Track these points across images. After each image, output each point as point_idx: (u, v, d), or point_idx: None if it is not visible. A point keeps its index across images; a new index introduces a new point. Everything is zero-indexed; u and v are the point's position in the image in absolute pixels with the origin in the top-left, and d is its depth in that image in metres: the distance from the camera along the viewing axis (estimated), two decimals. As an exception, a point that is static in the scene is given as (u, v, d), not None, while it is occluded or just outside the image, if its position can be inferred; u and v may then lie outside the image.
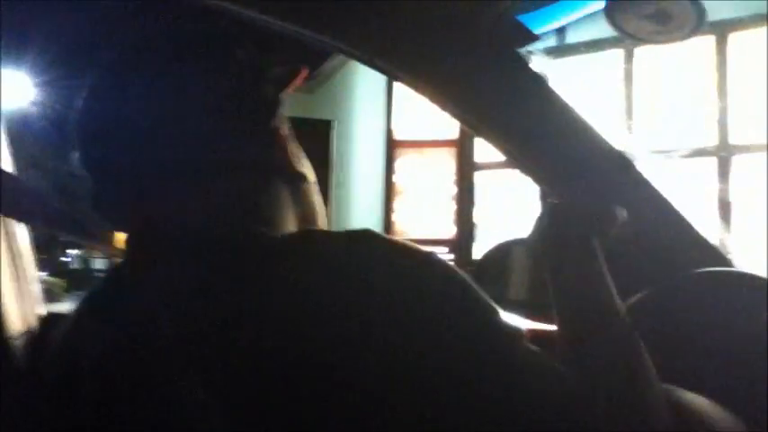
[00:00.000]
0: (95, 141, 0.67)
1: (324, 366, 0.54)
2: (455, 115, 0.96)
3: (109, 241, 1.04)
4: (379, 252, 0.59)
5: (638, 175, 0.96)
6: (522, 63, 0.93)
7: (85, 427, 0.63)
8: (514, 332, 0.58)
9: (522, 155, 0.97)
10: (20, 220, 0.92)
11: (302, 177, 0.71)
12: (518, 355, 0.57)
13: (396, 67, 0.92)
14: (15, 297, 0.90)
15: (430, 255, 0.61)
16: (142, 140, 0.64)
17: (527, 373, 0.56)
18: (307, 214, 0.71)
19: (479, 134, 0.98)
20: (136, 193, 0.65)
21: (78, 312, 0.69)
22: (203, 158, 0.65)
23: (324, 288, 0.56)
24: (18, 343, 0.87)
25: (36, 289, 0.95)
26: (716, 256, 0.95)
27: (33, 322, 0.92)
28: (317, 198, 0.74)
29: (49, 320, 0.94)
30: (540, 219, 0.71)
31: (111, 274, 0.69)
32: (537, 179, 0.99)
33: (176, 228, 0.64)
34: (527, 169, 0.99)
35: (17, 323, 0.89)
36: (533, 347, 0.58)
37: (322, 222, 0.73)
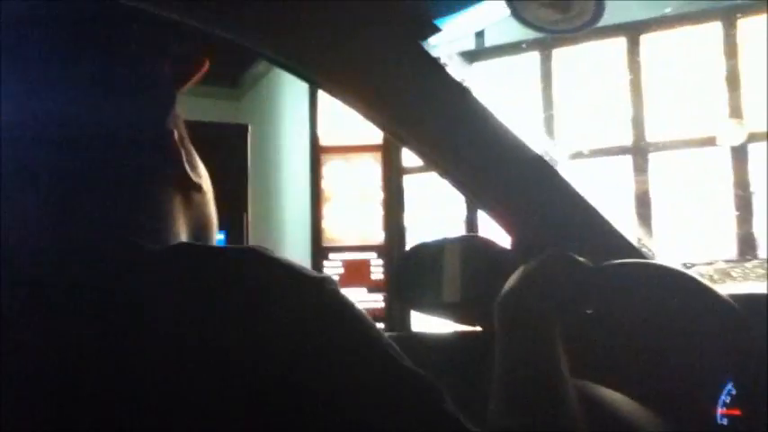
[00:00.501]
0: None
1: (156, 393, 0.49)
2: (372, 120, 0.95)
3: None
4: (256, 274, 0.54)
5: (559, 178, 0.97)
6: (437, 65, 0.92)
7: None
8: (416, 374, 0.53)
9: (441, 162, 0.96)
10: None
11: (194, 186, 0.65)
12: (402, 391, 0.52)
13: (308, 70, 0.90)
14: None
15: (320, 281, 0.55)
16: (19, 126, 0.57)
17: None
18: (198, 225, 0.66)
19: (399, 141, 0.98)
20: (8, 182, 0.57)
21: None
22: (75, 156, 0.58)
23: (187, 306, 0.52)
24: None
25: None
26: (634, 252, 0.97)
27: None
28: (209, 209, 0.68)
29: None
30: (516, 282, 0.69)
31: None
32: (459, 187, 0.99)
33: (35, 234, 0.57)
34: (448, 176, 0.98)
35: None
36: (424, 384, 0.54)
37: (213, 235, 0.69)
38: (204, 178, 0.68)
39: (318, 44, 0.83)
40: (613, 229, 1.00)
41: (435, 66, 0.92)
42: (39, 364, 0.51)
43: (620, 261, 0.76)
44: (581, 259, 0.73)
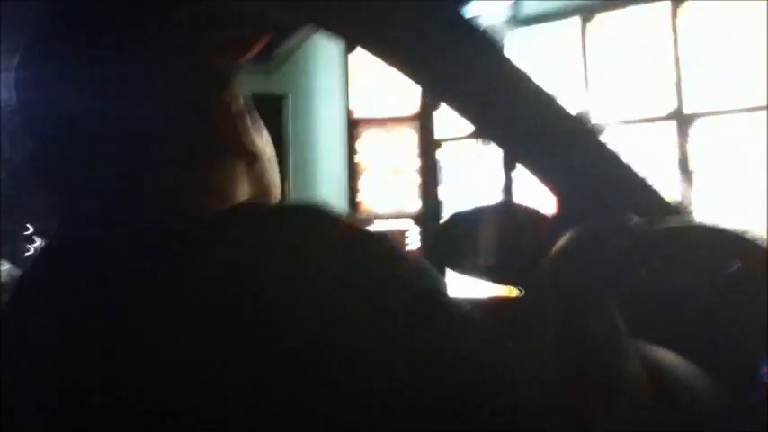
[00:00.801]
0: (36, 107, 0.63)
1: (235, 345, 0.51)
2: (412, 78, 0.95)
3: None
4: (318, 229, 0.55)
5: (601, 142, 0.96)
6: (474, 26, 0.92)
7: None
8: (459, 312, 0.54)
9: (480, 120, 0.96)
10: None
11: (253, 155, 0.67)
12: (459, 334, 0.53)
13: (349, 31, 0.90)
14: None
15: (377, 238, 0.56)
16: (80, 108, 0.60)
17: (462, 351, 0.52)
18: (258, 193, 0.68)
19: (439, 99, 0.98)
20: (74, 162, 0.61)
21: (9, 305, 0.64)
22: (141, 129, 0.60)
23: (250, 264, 0.53)
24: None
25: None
26: (681, 216, 0.96)
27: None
28: (270, 177, 0.70)
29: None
30: (561, 255, 0.67)
31: (41, 257, 0.64)
32: (499, 144, 0.99)
33: (108, 201, 0.61)
34: (488, 135, 0.98)
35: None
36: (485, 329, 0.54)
37: (275, 201, 0.70)
38: (263, 147, 0.69)
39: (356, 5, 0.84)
40: (659, 194, 0.99)
41: (473, 28, 0.92)
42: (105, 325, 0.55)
43: (676, 224, 0.75)
44: (634, 222, 0.72)
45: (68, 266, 0.60)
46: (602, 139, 0.97)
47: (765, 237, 0.72)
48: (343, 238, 0.56)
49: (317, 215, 0.57)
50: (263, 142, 0.70)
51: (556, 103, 0.94)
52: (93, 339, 0.55)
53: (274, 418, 0.50)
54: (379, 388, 0.50)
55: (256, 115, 0.70)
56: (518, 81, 0.93)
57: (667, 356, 0.66)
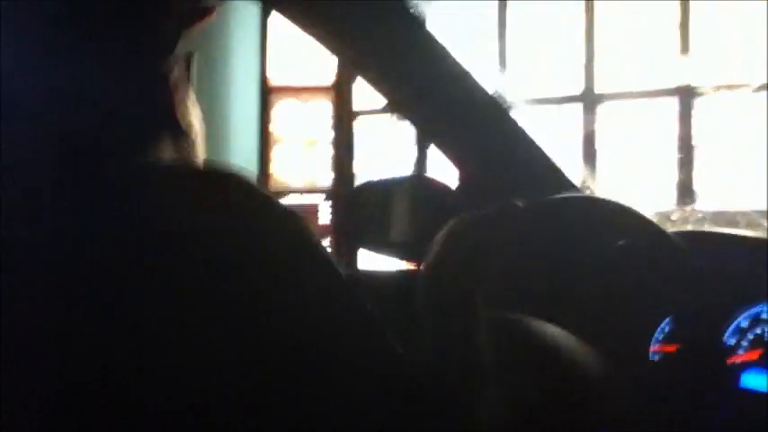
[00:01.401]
0: None
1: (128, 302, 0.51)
2: (327, 46, 0.93)
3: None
4: (231, 194, 0.56)
5: (509, 118, 0.97)
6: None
7: None
8: (357, 301, 0.55)
9: (396, 96, 0.95)
10: None
11: (182, 129, 0.66)
12: (359, 324, 0.55)
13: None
14: None
15: (293, 213, 0.57)
16: (20, 57, 0.59)
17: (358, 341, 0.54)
18: None
19: (353, 68, 0.96)
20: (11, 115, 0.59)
21: None
22: (77, 90, 0.59)
23: (168, 220, 0.53)
24: None
25: None
26: (578, 191, 0.98)
27: None
28: (195, 153, 0.69)
29: None
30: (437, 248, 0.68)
31: None
32: (415, 123, 0.98)
33: (38, 153, 0.59)
34: (405, 112, 0.97)
35: None
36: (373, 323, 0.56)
37: None
38: (193, 123, 0.68)
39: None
40: (562, 173, 1.01)
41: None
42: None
43: (559, 196, 0.76)
44: (510, 202, 0.73)
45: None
46: (510, 116, 0.98)
47: (654, 218, 0.74)
48: (261, 203, 0.56)
49: (240, 183, 0.57)
50: (194, 116, 0.69)
51: (467, 77, 0.94)
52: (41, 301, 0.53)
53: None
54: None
55: (189, 87, 0.69)
56: (432, 53, 0.93)
57: (554, 331, 0.68)
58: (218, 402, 0.51)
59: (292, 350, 0.52)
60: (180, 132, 0.66)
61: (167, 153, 0.65)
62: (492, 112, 0.94)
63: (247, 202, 0.56)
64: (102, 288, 0.52)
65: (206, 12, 0.69)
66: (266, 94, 4.70)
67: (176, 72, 0.66)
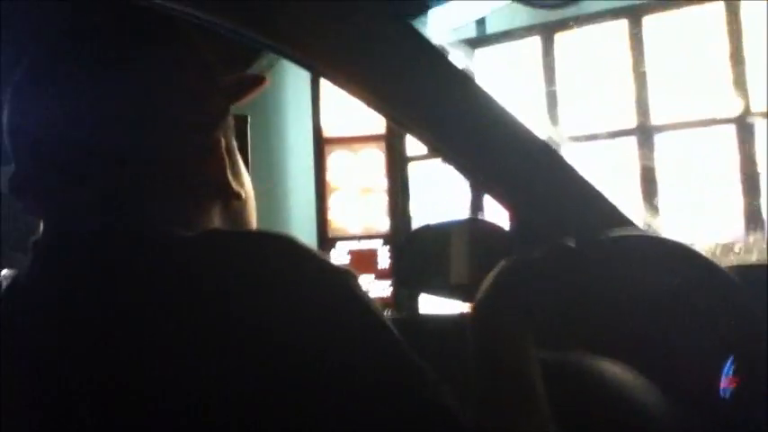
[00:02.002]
0: (25, 123, 0.63)
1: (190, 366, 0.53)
2: (372, 105, 0.95)
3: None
4: (285, 259, 0.57)
5: (560, 160, 0.97)
6: (433, 48, 0.93)
7: None
8: (415, 369, 0.55)
9: (441, 146, 0.96)
10: None
11: (235, 194, 0.68)
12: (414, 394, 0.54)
13: (306, 57, 0.90)
14: None
15: (344, 273, 0.58)
16: (72, 129, 0.61)
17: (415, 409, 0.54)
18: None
19: (400, 126, 0.98)
20: (56, 181, 0.62)
21: None
22: (130, 155, 0.61)
23: (213, 287, 0.54)
24: None
25: None
26: (625, 221, 0.96)
27: None
28: (248, 216, 0.71)
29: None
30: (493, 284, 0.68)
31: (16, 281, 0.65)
32: (464, 172, 0.99)
33: (85, 221, 0.61)
34: (452, 162, 0.99)
35: None
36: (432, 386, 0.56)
37: None
38: (246, 186, 0.71)
39: (312, 26, 0.83)
40: (617, 209, 1.00)
41: (432, 49, 0.92)
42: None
43: (618, 234, 0.75)
44: (562, 243, 0.73)
45: (42, 290, 0.61)
46: (559, 155, 0.98)
47: (717, 250, 0.73)
48: (312, 266, 0.57)
49: (287, 244, 0.58)
50: (244, 182, 0.71)
51: (512, 120, 0.95)
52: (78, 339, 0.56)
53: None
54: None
55: (238, 154, 0.72)
56: (480, 102, 0.94)
57: (611, 368, 0.67)
58: None
59: (338, 413, 0.52)
60: (232, 199, 0.68)
61: (221, 220, 0.67)
62: (539, 153, 0.95)
63: (296, 261, 0.56)
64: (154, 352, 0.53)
65: (257, 82, 0.72)
66: (320, 145, 4.79)
67: (226, 140, 0.68)
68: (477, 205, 4.09)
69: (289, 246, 0.57)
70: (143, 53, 0.63)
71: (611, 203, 1.00)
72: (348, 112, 4.69)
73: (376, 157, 4.73)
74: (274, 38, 0.86)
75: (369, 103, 0.93)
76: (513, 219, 0.99)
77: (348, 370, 0.53)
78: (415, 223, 4.55)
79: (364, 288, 0.58)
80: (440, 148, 0.95)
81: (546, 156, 0.95)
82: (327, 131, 4.80)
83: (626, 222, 0.99)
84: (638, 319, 0.74)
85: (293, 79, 4.92)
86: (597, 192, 1.00)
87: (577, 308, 0.70)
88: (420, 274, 1.08)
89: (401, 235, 4.48)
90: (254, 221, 0.72)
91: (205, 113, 0.66)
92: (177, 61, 0.64)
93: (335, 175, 4.80)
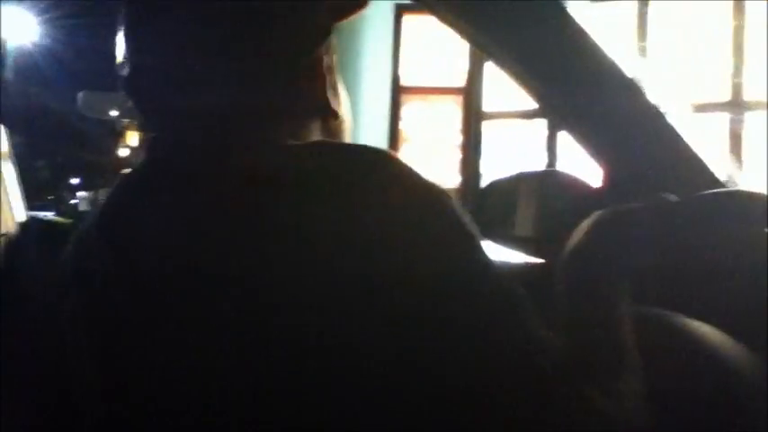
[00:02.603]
0: (144, 28, 0.64)
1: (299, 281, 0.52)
2: (469, 37, 0.93)
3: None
4: (382, 170, 0.57)
5: (650, 103, 0.94)
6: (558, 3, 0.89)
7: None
8: (515, 292, 0.55)
9: (552, 97, 0.94)
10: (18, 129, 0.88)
11: (333, 112, 0.69)
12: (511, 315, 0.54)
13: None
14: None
15: (443, 192, 0.58)
16: (188, 39, 0.62)
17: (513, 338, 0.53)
18: None
19: (493, 58, 0.96)
20: (172, 86, 0.63)
21: (86, 231, 0.66)
22: (242, 67, 0.62)
23: (322, 196, 0.54)
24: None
25: (16, 194, 0.92)
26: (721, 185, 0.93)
27: (11, 226, 0.90)
28: (343, 136, 0.72)
29: (28, 226, 0.92)
30: (585, 236, 0.66)
31: (128, 181, 0.67)
32: (547, 106, 0.97)
33: (198, 127, 0.62)
34: (555, 111, 0.96)
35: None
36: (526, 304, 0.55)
37: None
38: (343, 107, 0.71)
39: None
40: (711, 170, 0.96)
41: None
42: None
43: (711, 191, 0.72)
44: (663, 196, 0.70)
45: (155, 192, 0.62)
46: (661, 112, 0.95)
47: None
48: (409, 181, 0.57)
49: (386, 157, 0.58)
50: (343, 101, 0.71)
51: (619, 73, 0.92)
52: (178, 267, 0.57)
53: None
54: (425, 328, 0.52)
55: (335, 74, 0.71)
56: (583, 44, 0.91)
57: (699, 327, 0.65)
58: (366, 381, 0.52)
59: (440, 326, 0.52)
60: (331, 116, 0.68)
61: (319, 136, 0.67)
62: (648, 111, 0.91)
63: (399, 178, 0.56)
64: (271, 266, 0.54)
65: (359, 4, 0.71)
66: (397, 93, 4.76)
67: (327, 60, 0.68)
68: (551, 165, 4.02)
69: (395, 160, 0.58)
70: None
71: (706, 165, 0.96)
72: (427, 62, 4.64)
73: (452, 110, 4.67)
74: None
75: (474, 42, 0.91)
76: (607, 173, 0.96)
77: (462, 295, 0.53)
78: (485, 181, 4.51)
79: (461, 208, 0.57)
80: (547, 98, 0.92)
81: (651, 111, 0.92)
82: (405, 80, 4.76)
83: (720, 185, 0.95)
84: (736, 280, 0.71)
85: (374, 22, 4.88)
86: (695, 153, 0.96)
87: (672, 264, 0.68)
88: (490, 224, 1.07)
89: (470, 191, 4.44)
90: (347, 141, 0.72)
91: (311, 30, 0.65)
92: None
93: (409, 126, 4.78)
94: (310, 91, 0.66)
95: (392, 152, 0.59)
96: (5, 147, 0.93)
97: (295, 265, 0.53)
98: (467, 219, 0.57)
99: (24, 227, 0.93)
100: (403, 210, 0.54)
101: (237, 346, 0.54)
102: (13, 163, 0.94)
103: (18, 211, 0.93)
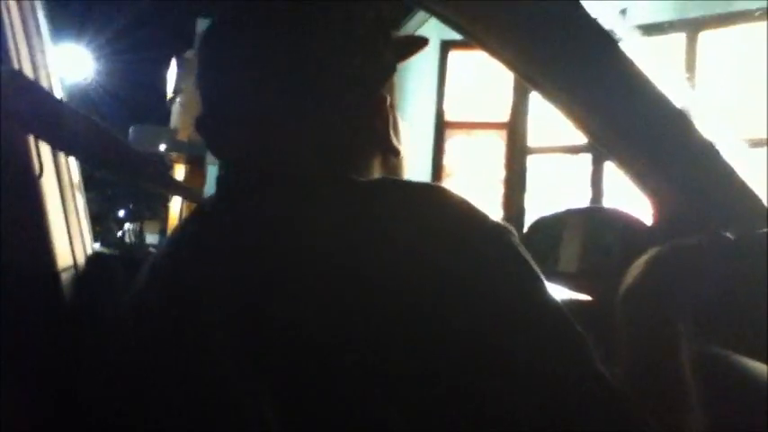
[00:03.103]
0: (216, 70, 0.66)
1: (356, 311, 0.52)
2: (518, 69, 0.93)
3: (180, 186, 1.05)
4: (447, 206, 0.57)
5: (701, 136, 0.92)
6: (588, 15, 0.89)
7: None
8: (574, 327, 0.54)
9: (605, 135, 0.93)
10: (86, 159, 0.90)
11: (394, 150, 0.69)
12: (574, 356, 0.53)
13: (462, 17, 0.89)
14: (64, 231, 0.90)
15: (503, 227, 0.57)
16: (258, 77, 0.63)
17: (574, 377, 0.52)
18: None
19: (540, 90, 0.95)
20: (241, 123, 0.64)
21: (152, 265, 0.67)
22: (310, 105, 0.63)
23: (382, 235, 0.55)
24: (65, 277, 0.87)
25: (85, 226, 0.95)
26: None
27: (81, 259, 0.93)
28: (402, 173, 0.72)
29: (96, 259, 0.94)
30: (644, 272, 0.65)
31: (192, 224, 0.67)
32: (596, 140, 0.96)
33: (267, 162, 0.64)
34: (588, 130, 0.95)
35: (65, 258, 0.89)
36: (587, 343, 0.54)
37: None
38: (403, 145, 0.71)
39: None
40: (763, 205, 0.94)
41: (604, 34, 0.89)
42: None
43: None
44: (720, 233, 0.68)
45: (220, 230, 0.62)
46: (714, 147, 0.93)
47: None
48: (472, 218, 0.57)
49: (449, 194, 0.58)
50: (403, 139, 0.72)
51: (668, 102, 0.91)
52: (248, 304, 0.56)
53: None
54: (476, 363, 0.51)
55: (396, 111, 0.72)
56: (632, 75, 0.90)
57: (758, 367, 0.63)
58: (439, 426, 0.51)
59: (511, 365, 0.51)
60: (391, 154, 0.69)
61: (380, 172, 0.68)
62: (699, 144, 0.90)
63: (460, 214, 0.57)
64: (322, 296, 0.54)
65: (422, 43, 0.73)
66: (441, 128, 4.78)
67: (390, 98, 0.69)
68: (596, 201, 3.97)
69: (458, 198, 0.58)
70: (327, 7, 0.65)
71: (761, 201, 0.94)
72: (472, 97, 4.66)
73: (496, 145, 4.67)
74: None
75: (508, 64, 0.91)
76: (659, 210, 0.94)
77: (526, 335, 0.52)
78: (529, 217, 4.47)
79: (521, 245, 0.56)
80: (595, 130, 0.92)
81: (704, 146, 0.90)
82: (449, 115, 4.78)
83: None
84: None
85: (419, 58, 4.93)
86: (749, 188, 0.94)
87: (728, 302, 0.66)
88: (535, 259, 1.06)
89: (513, 226, 4.40)
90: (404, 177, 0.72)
91: (377, 69, 0.67)
92: (359, 17, 0.66)
93: (453, 160, 4.79)
94: (373, 128, 0.67)
95: (452, 190, 0.59)
96: (77, 178, 0.95)
97: (371, 308, 0.52)
98: (529, 256, 0.56)
99: (91, 261, 0.95)
100: (470, 248, 0.54)
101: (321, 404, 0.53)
102: (83, 195, 0.96)
103: (87, 244, 0.95)
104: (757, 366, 0.63)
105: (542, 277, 0.55)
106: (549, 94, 0.93)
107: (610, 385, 0.52)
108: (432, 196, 0.58)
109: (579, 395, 0.51)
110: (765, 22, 3.70)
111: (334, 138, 0.64)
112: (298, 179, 0.61)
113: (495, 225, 0.57)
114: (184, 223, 0.68)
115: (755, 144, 3.74)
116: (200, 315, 0.57)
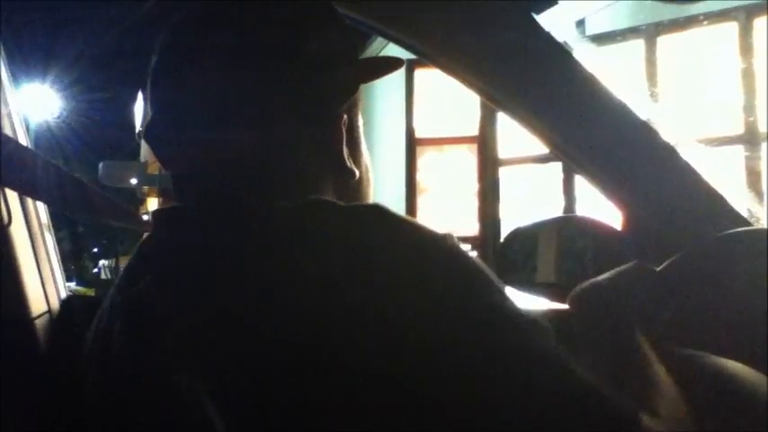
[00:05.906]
0: (167, 77, 0.66)
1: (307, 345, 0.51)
2: (480, 90, 0.95)
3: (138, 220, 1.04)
4: (382, 227, 0.56)
5: (664, 142, 0.94)
6: (545, 33, 0.91)
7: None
8: (528, 320, 0.53)
9: (567, 145, 0.95)
10: (53, 203, 0.89)
11: (349, 173, 0.68)
12: (531, 346, 0.52)
13: (419, 42, 0.90)
14: (36, 278, 0.89)
15: (438, 237, 0.56)
16: (210, 87, 0.63)
17: (537, 365, 0.52)
18: None
19: (504, 109, 0.97)
20: (190, 134, 0.64)
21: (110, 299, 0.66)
22: (259, 122, 0.63)
23: (316, 257, 0.54)
24: (39, 324, 0.86)
25: (57, 269, 0.94)
26: (744, 222, 0.92)
27: (55, 304, 0.92)
28: (362, 195, 0.72)
29: (70, 303, 0.93)
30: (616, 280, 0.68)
31: (141, 254, 0.67)
32: (562, 154, 0.97)
33: (212, 181, 0.63)
34: (552, 145, 0.97)
35: (38, 304, 0.88)
36: (547, 339, 0.54)
37: None
38: (363, 167, 0.71)
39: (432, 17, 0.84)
40: (733, 208, 0.95)
41: (558, 46, 0.90)
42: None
43: (731, 231, 0.72)
44: (640, 266, 0.70)
45: (170, 256, 0.62)
46: (678, 153, 0.95)
47: None
48: (410, 236, 0.56)
49: (383, 213, 0.57)
50: (361, 162, 0.71)
51: (629, 111, 0.92)
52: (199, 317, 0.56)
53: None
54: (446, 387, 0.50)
55: (359, 132, 0.72)
56: (591, 88, 0.92)
57: (734, 367, 0.64)
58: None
59: (477, 375, 0.50)
60: (346, 176, 0.68)
61: (341, 194, 0.67)
62: (662, 151, 0.92)
63: (398, 231, 0.56)
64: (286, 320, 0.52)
65: (394, 64, 0.72)
66: (412, 145, 4.80)
67: (354, 117, 0.69)
68: (569, 210, 4.00)
69: (383, 215, 0.57)
70: (297, 32, 0.64)
71: (727, 201, 0.96)
72: (440, 113, 4.69)
73: (467, 159, 4.70)
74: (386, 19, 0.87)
75: (470, 84, 0.92)
76: (627, 217, 0.95)
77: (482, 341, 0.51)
78: (504, 227, 4.50)
79: (464, 250, 0.55)
80: (560, 145, 0.93)
81: (668, 152, 0.92)
82: (419, 132, 4.81)
83: (744, 223, 0.94)
84: (761, 319, 0.70)
85: (386, 78, 4.95)
86: (714, 190, 0.96)
87: (702, 306, 0.67)
88: (510, 272, 1.07)
89: (489, 238, 4.43)
90: (368, 200, 0.72)
91: (334, 88, 0.66)
92: (329, 40, 0.66)
93: (426, 176, 4.81)
94: (327, 149, 0.66)
95: (385, 206, 0.58)
96: (46, 219, 0.94)
97: (315, 333, 0.51)
98: (475, 260, 0.56)
99: (66, 305, 0.94)
100: (411, 262, 0.53)
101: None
102: (53, 236, 0.95)
103: (61, 287, 0.94)
104: (731, 364, 0.63)
105: (492, 276, 0.55)
106: (512, 112, 0.95)
107: (574, 375, 0.52)
108: (367, 216, 0.57)
109: (541, 390, 0.51)
110: (718, 26, 3.80)
111: (281, 156, 0.63)
112: (234, 205, 0.61)
113: (434, 234, 0.56)
114: (137, 251, 0.67)
115: (723, 142, 3.81)
116: (160, 343, 0.57)
